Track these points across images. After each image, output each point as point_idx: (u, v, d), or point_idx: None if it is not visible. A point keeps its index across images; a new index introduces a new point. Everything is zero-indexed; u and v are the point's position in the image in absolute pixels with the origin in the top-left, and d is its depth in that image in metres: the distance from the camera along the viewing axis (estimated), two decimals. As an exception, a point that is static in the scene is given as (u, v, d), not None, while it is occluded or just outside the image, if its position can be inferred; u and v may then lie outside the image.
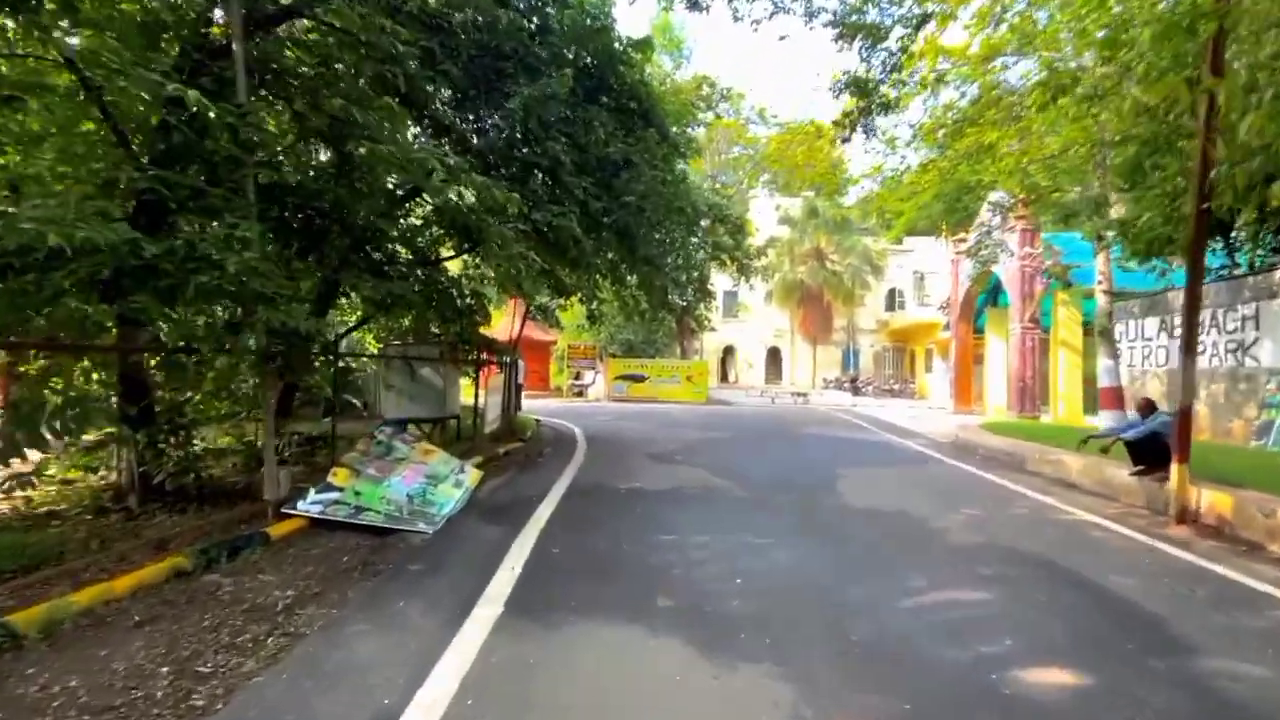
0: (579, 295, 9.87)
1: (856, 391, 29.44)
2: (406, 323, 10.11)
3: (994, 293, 21.22)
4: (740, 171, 30.98)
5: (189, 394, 6.02)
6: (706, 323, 19.69)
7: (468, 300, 10.13)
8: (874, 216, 32.78)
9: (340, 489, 5.50)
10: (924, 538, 5.07)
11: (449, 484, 6.28)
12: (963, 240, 21.39)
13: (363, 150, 5.02)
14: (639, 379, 23.96)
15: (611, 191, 7.43)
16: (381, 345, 10.33)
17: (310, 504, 5.20)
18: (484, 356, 10.85)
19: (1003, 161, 10.22)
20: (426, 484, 6.04)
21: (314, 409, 14.64)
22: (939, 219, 13.85)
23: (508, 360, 12.30)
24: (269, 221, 5.96)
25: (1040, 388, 16.79)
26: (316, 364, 8.37)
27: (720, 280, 23.32)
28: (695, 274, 13.11)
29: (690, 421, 15.47)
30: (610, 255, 8.96)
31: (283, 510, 5.06)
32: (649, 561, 4.30)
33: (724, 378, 35.78)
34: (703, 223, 11.54)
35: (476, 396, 9.82)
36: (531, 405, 19.70)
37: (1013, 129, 10.36)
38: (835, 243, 30.60)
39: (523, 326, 12.71)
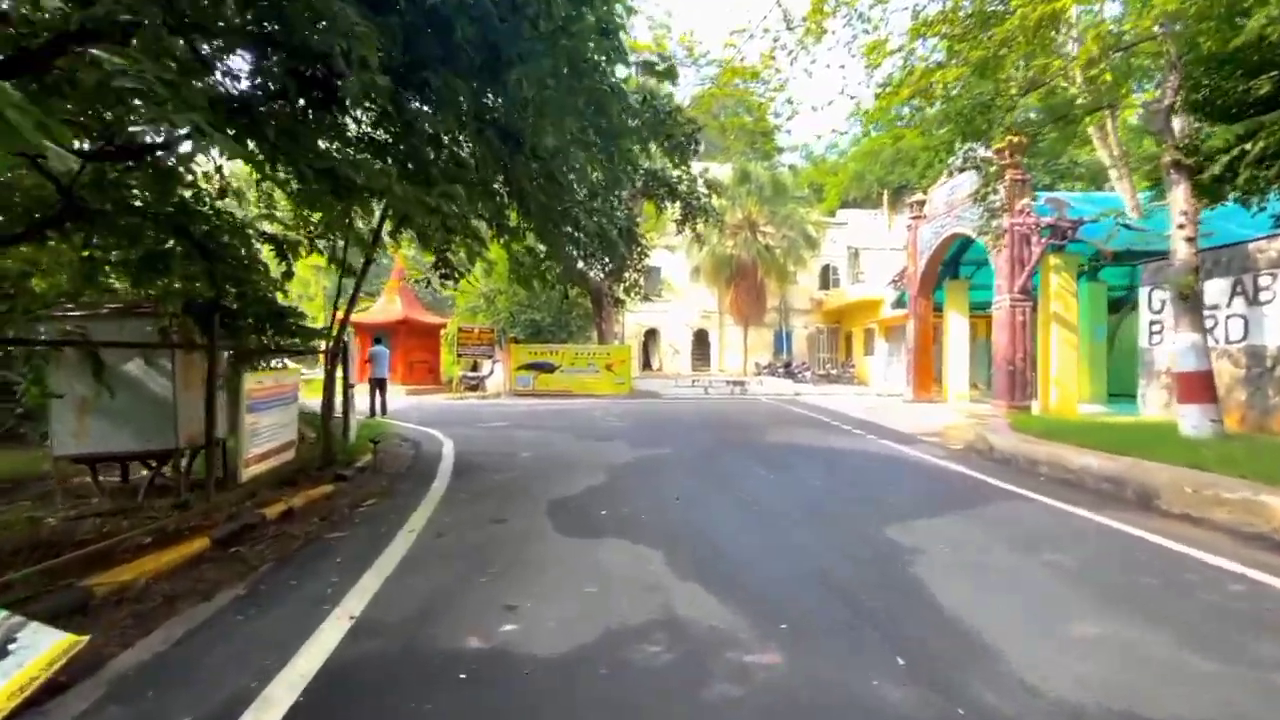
0: (433, 229, 5.54)
1: (792, 377, 26.62)
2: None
3: (953, 264, 18.66)
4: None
5: None
6: (637, 292, 15.34)
7: (230, 241, 5.59)
8: (805, 184, 30.00)
9: None
10: None
11: None
12: (921, 203, 18.70)
13: None
14: (548, 368, 19.65)
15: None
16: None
17: None
18: (267, 341, 6.33)
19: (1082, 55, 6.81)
20: None
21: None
22: (928, 159, 10.57)
23: (326, 350, 7.77)
24: None
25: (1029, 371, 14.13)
26: None
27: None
28: (621, 214, 8.99)
29: (615, 426, 11.48)
30: (466, 143, 4.74)
31: None
32: None
33: (646, 365, 32.07)
34: (634, 147, 7.37)
35: (211, 413, 5.32)
36: (405, 406, 15.01)
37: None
38: (769, 212, 27.46)
39: (355, 296, 8.16)
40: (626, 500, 5.68)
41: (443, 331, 23.59)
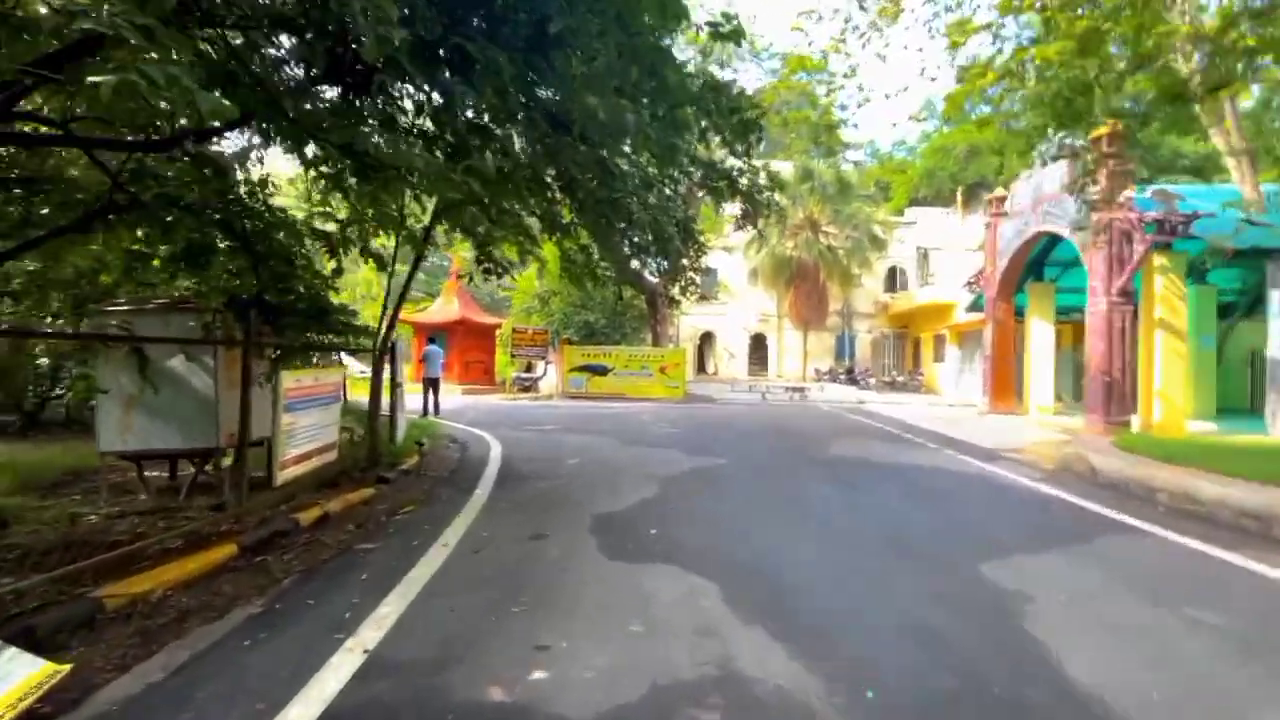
0: (480, 220, 5.26)
1: (855, 384, 25.42)
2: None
3: (1036, 264, 17.24)
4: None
5: None
6: (693, 292, 14.74)
7: (277, 237, 5.44)
8: (871, 182, 28.67)
9: None
10: None
11: None
12: (1002, 199, 17.40)
13: None
14: (601, 371, 19.35)
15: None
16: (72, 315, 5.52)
17: None
18: (312, 338, 6.18)
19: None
20: None
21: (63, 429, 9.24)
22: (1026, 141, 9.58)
23: (374, 348, 7.61)
24: None
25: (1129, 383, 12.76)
26: None
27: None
28: (675, 207, 8.51)
29: (668, 433, 10.98)
30: (514, 132, 4.38)
31: None
32: None
33: (701, 369, 31.39)
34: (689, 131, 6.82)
35: (245, 411, 5.12)
36: (458, 406, 14.99)
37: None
38: (832, 212, 26.35)
39: (403, 295, 8.00)
40: (679, 519, 5.17)
41: (498, 332, 23.70)
